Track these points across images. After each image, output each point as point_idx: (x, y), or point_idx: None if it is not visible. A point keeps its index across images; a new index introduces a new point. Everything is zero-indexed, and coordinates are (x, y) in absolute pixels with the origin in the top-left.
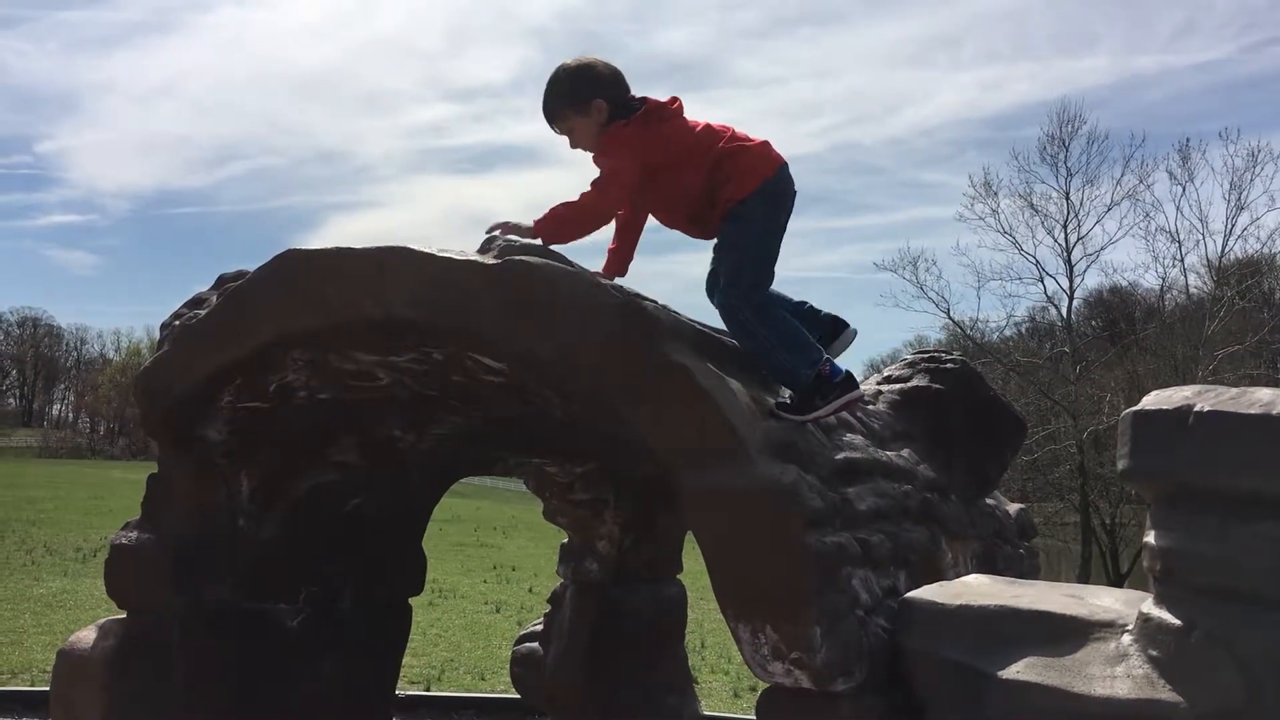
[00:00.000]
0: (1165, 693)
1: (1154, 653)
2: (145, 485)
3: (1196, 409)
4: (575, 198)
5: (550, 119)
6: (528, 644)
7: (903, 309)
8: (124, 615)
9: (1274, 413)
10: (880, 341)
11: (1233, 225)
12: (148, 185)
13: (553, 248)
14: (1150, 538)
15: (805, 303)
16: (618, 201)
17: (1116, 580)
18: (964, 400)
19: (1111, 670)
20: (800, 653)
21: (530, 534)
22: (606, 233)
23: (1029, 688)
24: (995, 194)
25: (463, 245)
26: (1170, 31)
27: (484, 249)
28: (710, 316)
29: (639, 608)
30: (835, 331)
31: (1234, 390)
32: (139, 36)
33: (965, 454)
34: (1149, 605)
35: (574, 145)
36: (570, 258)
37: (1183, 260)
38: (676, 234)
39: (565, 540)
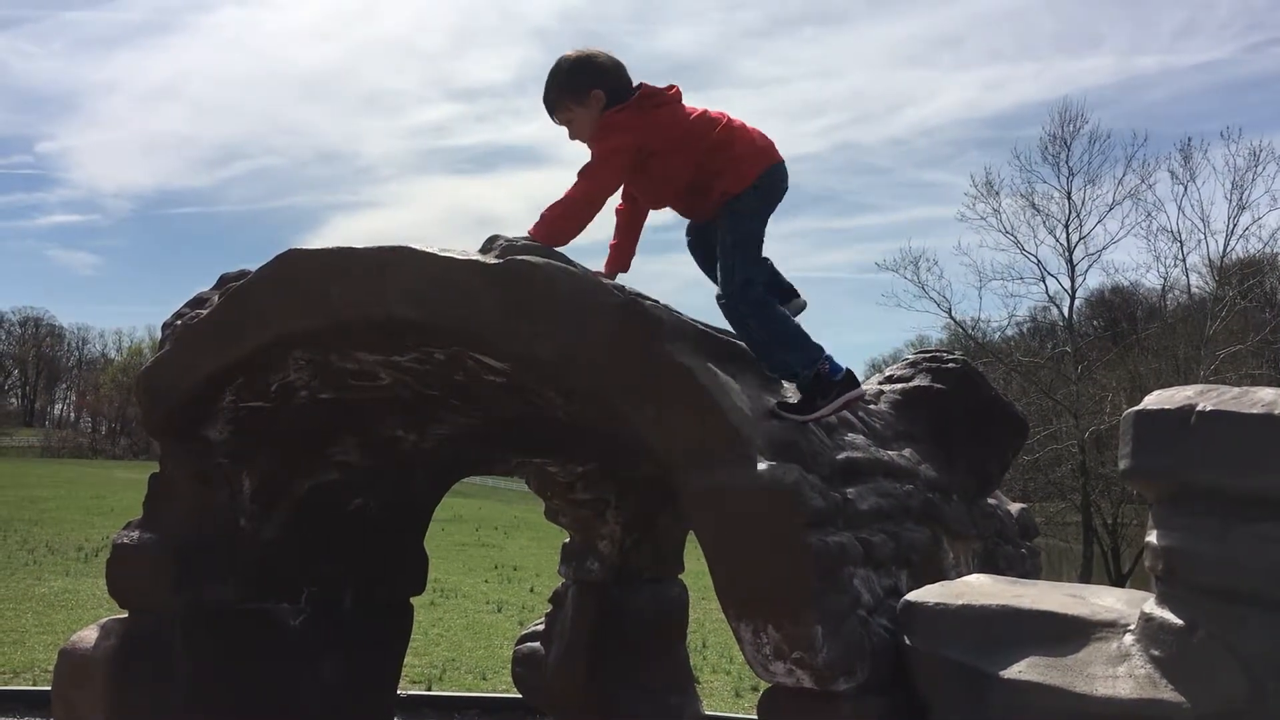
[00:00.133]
0: (1167, 692)
1: (1156, 653)
2: (147, 485)
3: (1199, 409)
4: (562, 194)
5: (551, 109)
6: (529, 644)
7: (904, 309)
8: (126, 615)
9: (1276, 413)
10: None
11: (1234, 225)
12: (149, 185)
13: (555, 248)
14: (1152, 537)
15: (766, 259)
16: (609, 185)
17: (1118, 580)
18: (966, 400)
19: (1114, 670)
20: (802, 652)
21: (532, 534)
22: (607, 231)
23: (1031, 687)
24: (997, 194)
25: (464, 245)
26: (1172, 31)
27: (486, 249)
28: (711, 315)
29: (640, 607)
30: (785, 300)
31: (1236, 390)
32: (141, 37)
33: (967, 454)
34: (1151, 605)
35: (573, 136)
36: (572, 258)
37: (1184, 260)
38: (678, 235)
39: (567, 540)
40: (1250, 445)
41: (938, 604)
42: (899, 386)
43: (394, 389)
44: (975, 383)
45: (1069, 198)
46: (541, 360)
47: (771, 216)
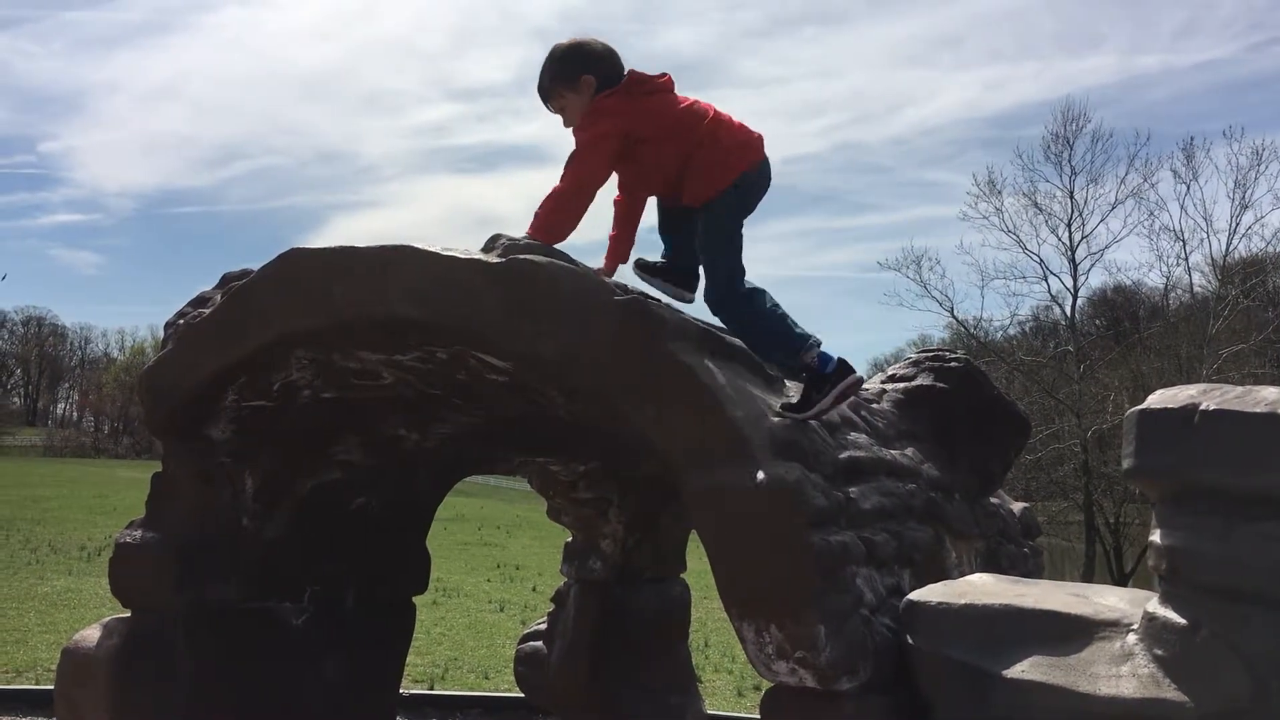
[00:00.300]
0: (1170, 692)
1: (1159, 652)
2: (149, 484)
3: (1202, 408)
4: (552, 187)
5: (545, 97)
6: (532, 643)
7: (907, 308)
8: (128, 614)
9: (1279, 412)
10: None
11: (1237, 224)
12: (151, 185)
13: (557, 247)
14: (1155, 537)
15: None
16: (597, 172)
17: (1120, 579)
18: (968, 399)
19: (1117, 669)
20: (805, 652)
21: (534, 533)
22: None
23: (1034, 687)
24: (999, 193)
25: (466, 245)
26: (1173, 31)
27: (488, 248)
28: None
29: (643, 607)
30: (682, 281)
31: (1239, 389)
32: (142, 36)
33: (969, 453)
34: (1154, 604)
35: (566, 124)
36: (575, 258)
37: (1187, 259)
38: None
39: (569, 539)
40: (1254, 444)
41: (940, 603)
42: (901, 386)
43: (396, 388)
44: (978, 382)
45: (1071, 197)
46: (544, 359)
47: (772, 217)
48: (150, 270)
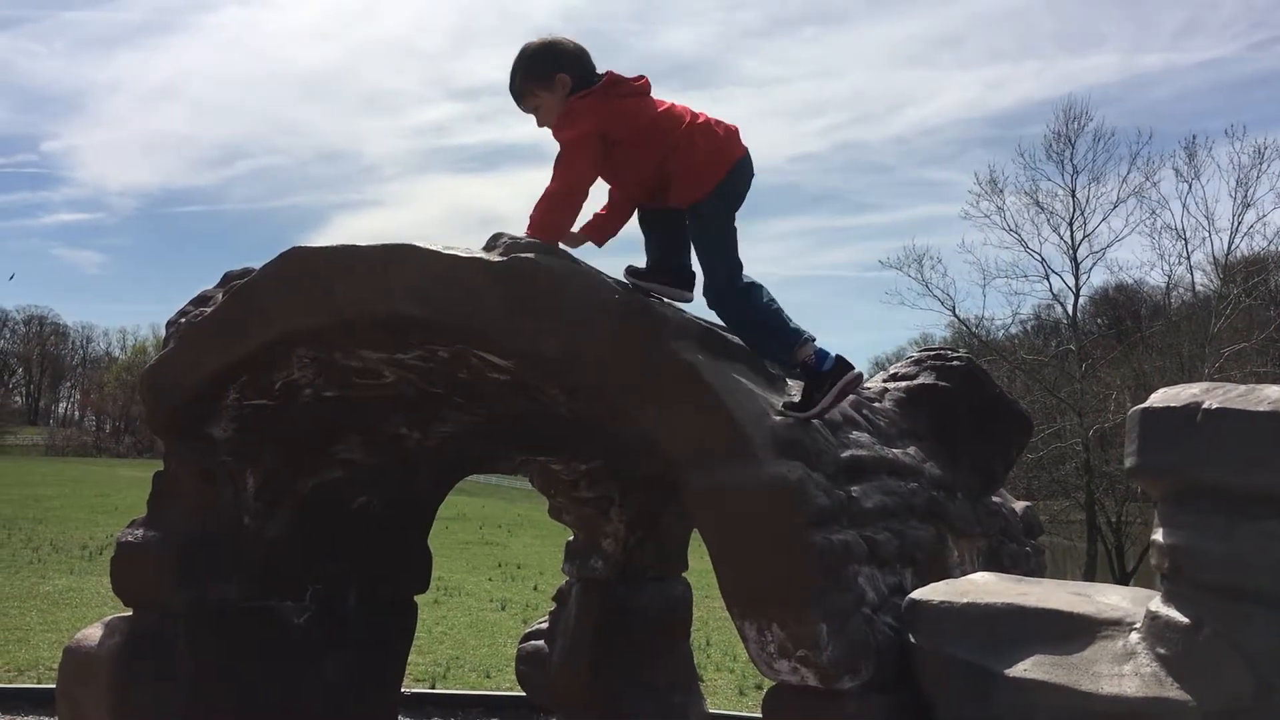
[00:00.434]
0: (1173, 690)
1: (1162, 651)
2: (151, 483)
3: (1205, 406)
4: (544, 189)
5: (517, 96)
6: (533, 642)
7: (908, 307)
8: (130, 613)
9: None
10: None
11: (1239, 222)
12: (153, 184)
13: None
14: (1158, 535)
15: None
16: (584, 172)
17: (1122, 578)
18: (970, 398)
19: (1119, 668)
20: (807, 650)
21: (535, 532)
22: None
23: (1036, 686)
24: (1001, 191)
25: (468, 244)
26: (1174, 30)
27: (489, 247)
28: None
29: (644, 605)
30: (678, 281)
31: (1242, 388)
32: (143, 36)
33: (971, 451)
34: (1157, 603)
35: (541, 123)
36: (576, 257)
37: (1189, 258)
38: None
39: (570, 538)
40: (1256, 443)
41: (942, 602)
42: (903, 384)
43: (398, 387)
44: (979, 380)
45: (1073, 195)
46: (545, 358)
47: (773, 217)
48: (152, 269)
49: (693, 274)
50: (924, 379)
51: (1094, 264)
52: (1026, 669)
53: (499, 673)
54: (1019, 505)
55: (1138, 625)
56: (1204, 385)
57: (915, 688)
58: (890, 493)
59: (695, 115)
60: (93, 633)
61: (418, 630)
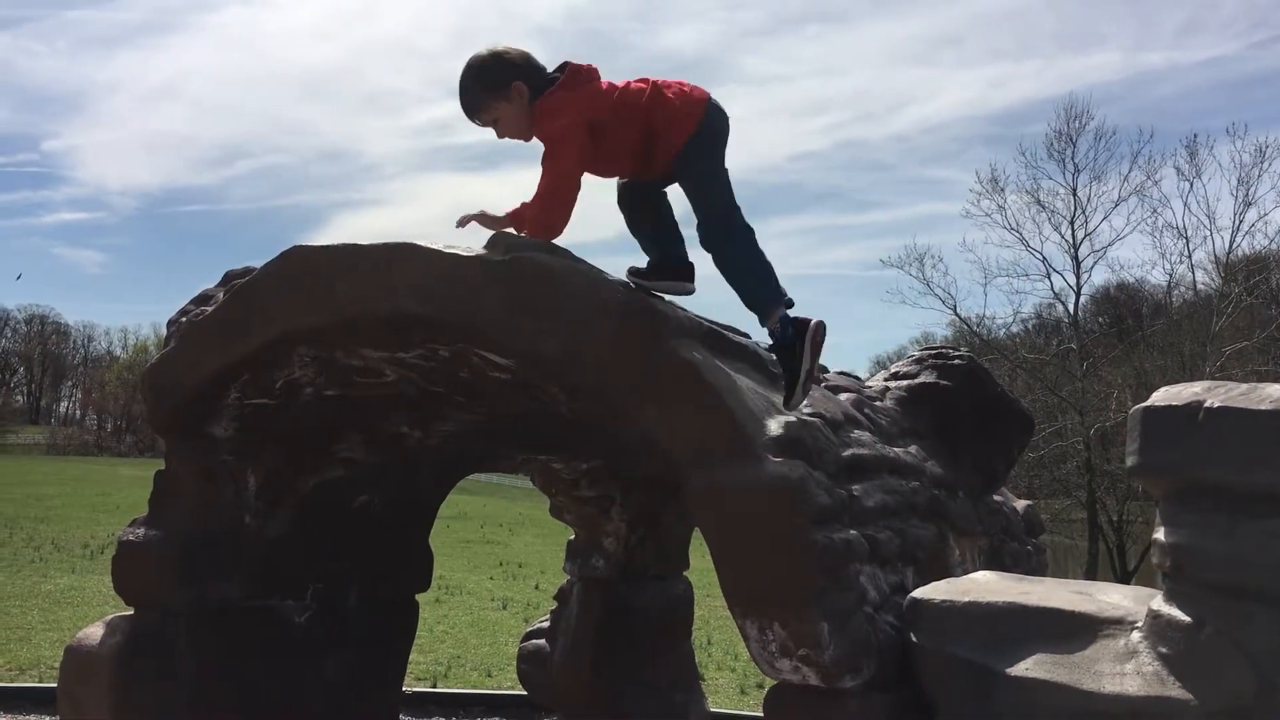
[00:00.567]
0: (1175, 689)
1: (1163, 649)
2: (152, 482)
3: (1207, 405)
4: (531, 195)
5: (471, 113)
6: (534, 641)
7: (909, 305)
8: (131, 612)
9: None
10: (886, 338)
11: (1240, 221)
12: (154, 183)
13: (558, 244)
14: (1159, 534)
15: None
16: (574, 166)
17: (1123, 577)
18: (971, 397)
19: (1121, 667)
20: (808, 649)
21: (537, 531)
22: (608, 232)
23: (1038, 684)
24: (1002, 190)
25: (469, 242)
26: (1175, 29)
27: (491, 245)
28: (716, 312)
29: (646, 604)
30: (678, 274)
31: (1244, 386)
32: (144, 36)
33: (972, 450)
34: (1158, 602)
35: (501, 134)
36: (578, 256)
37: (1190, 256)
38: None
39: (572, 537)
40: (1258, 441)
41: (944, 601)
42: (904, 383)
43: (399, 385)
44: (981, 379)
45: (1074, 194)
46: (546, 357)
47: (775, 215)
48: (153, 269)
49: (692, 264)
50: (925, 378)
51: (1095, 263)
52: (1028, 668)
53: (500, 671)
54: (1020, 504)
55: (1139, 624)
56: (1205, 384)
57: (917, 687)
58: (892, 491)
59: (651, 80)
60: (94, 631)
61: (419, 629)
